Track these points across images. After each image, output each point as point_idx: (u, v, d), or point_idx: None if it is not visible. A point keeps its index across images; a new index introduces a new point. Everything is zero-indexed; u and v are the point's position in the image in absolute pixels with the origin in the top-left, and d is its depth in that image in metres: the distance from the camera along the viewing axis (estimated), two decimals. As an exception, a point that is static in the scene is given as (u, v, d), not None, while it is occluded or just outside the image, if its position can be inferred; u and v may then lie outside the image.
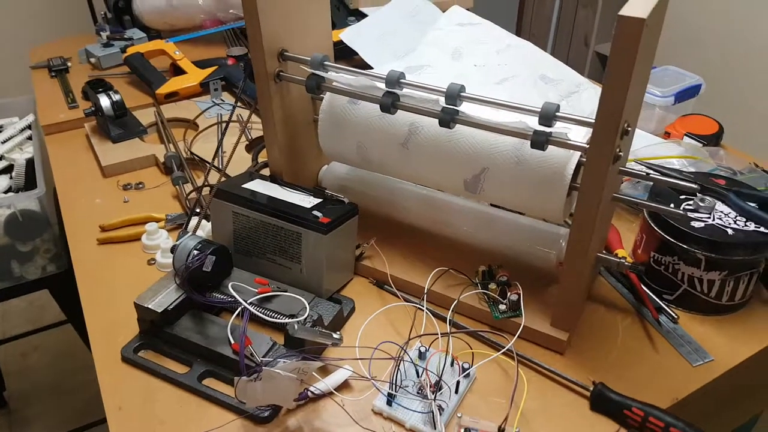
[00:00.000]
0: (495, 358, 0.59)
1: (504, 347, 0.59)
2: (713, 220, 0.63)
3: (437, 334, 0.60)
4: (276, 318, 0.61)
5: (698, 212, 0.64)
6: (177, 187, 0.87)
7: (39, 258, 1.09)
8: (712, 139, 0.90)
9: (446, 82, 0.59)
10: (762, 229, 0.62)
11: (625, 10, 0.44)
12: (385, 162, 0.67)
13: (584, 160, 0.57)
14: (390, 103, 0.61)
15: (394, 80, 0.60)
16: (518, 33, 2.91)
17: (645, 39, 0.46)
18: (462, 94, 0.57)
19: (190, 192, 0.85)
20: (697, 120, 0.93)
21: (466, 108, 0.58)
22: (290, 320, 0.58)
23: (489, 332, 0.63)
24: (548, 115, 0.53)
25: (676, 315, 0.65)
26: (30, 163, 1.09)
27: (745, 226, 0.62)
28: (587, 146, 0.52)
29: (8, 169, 1.10)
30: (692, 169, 0.77)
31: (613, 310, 0.67)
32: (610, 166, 0.51)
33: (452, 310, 0.62)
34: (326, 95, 0.69)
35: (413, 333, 0.61)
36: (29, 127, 1.15)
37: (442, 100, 0.58)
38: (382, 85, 0.61)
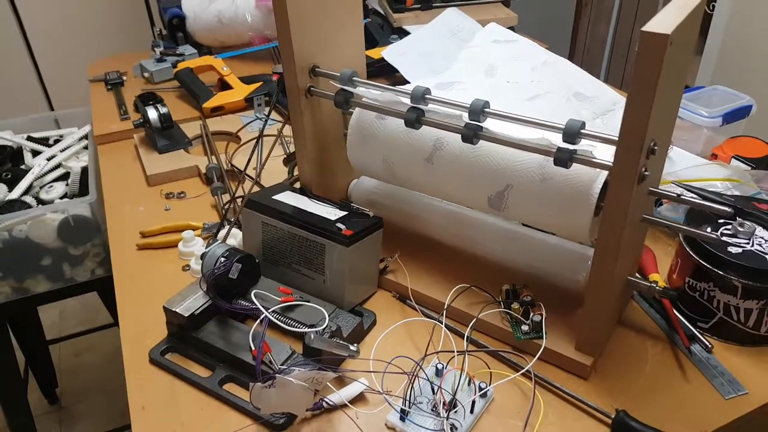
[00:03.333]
0: (514, 379, 0.58)
1: (524, 368, 0.58)
2: (752, 246, 0.60)
3: (454, 351, 0.60)
4: (295, 327, 0.62)
5: (737, 237, 0.61)
6: (215, 197, 0.89)
7: (89, 261, 1.14)
8: (762, 163, 0.85)
9: (475, 99, 0.59)
10: (805, 257, 0.58)
11: (650, 26, 0.43)
12: (410, 176, 0.67)
13: (610, 179, 0.55)
14: (414, 118, 0.61)
15: (419, 95, 0.60)
16: (572, 50, 2.86)
17: (670, 56, 0.45)
18: (486, 109, 0.57)
19: (227, 202, 0.87)
20: (746, 142, 0.89)
21: (489, 124, 0.58)
22: (309, 330, 0.59)
23: (509, 353, 0.61)
24: (572, 132, 0.52)
25: (710, 344, 0.62)
26: (84, 171, 1.15)
27: (787, 253, 0.59)
28: (611, 164, 0.51)
29: (66, 176, 1.16)
30: (736, 193, 0.73)
31: (644, 336, 0.65)
32: (636, 186, 0.50)
33: (471, 327, 0.61)
34: (355, 110, 0.70)
35: (431, 349, 0.61)
36: (86, 137, 1.21)
37: (465, 115, 0.57)
38: (408, 101, 0.61)
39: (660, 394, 0.58)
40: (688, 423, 0.55)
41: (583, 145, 0.54)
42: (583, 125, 0.53)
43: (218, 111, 1.14)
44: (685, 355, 0.62)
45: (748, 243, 0.61)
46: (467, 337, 0.61)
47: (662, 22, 0.44)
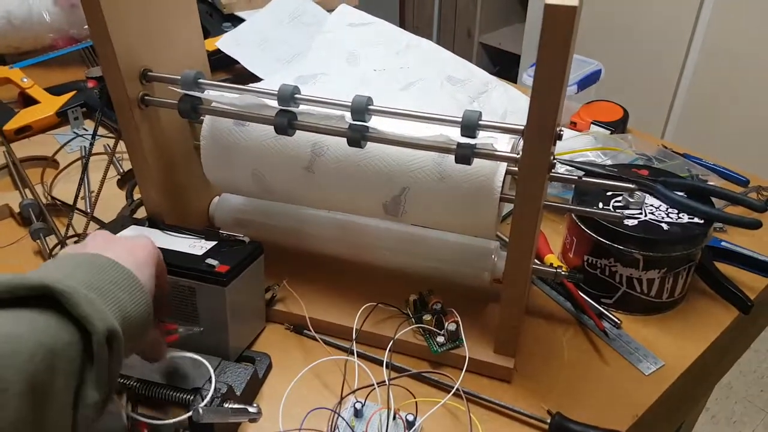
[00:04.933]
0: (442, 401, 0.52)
1: (450, 387, 0.52)
2: (645, 215, 0.60)
3: (374, 384, 0.52)
4: (175, 396, 0.50)
5: (628, 208, 0.61)
6: (38, 241, 0.72)
7: None
8: (619, 125, 0.88)
9: (346, 92, 0.51)
10: (696, 219, 0.59)
11: (552, -2, 0.38)
12: (288, 190, 0.58)
13: (513, 169, 0.51)
14: (286, 123, 0.51)
15: (288, 96, 0.50)
16: (401, 28, 2.88)
17: (575, 31, 0.40)
18: (370, 107, 0.49)
19: (55, 246, 0.70)
20: (602, 106, 0.91)
21: (375, 122, 0.50)
22: (189, 395, 0.48)
23: (430, 372, 0.55)
24: (471, 125, 0.47)
25: (618, 320, 0.61)
26: None
27: (679, 218, 0.59)
28: (518, 156, 0.46)
29: None
30: (609, 161, 0.74)
31: (553, 322, 0.62)
32: (546, 176, 0.46)
33: (389, 351, 0.54)
34: (206, 118, 0.59)
35: (346, 387, 0.53)
36: None
37: (348, 116, 0.49)
38: (274, 103, 0.51)
39: (585, 383, 0.56)
40: (620, 409, 0.53)
41: (482, 138, 0.48)
42: (480, 116, 0.47)
43: (24, 132, 0.93)
44: (597, 335, 0.60)
45: (641, 213, 0.60)
46: (387, 363, 0.53)
47: (563, -7, 0.39)
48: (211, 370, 0.51)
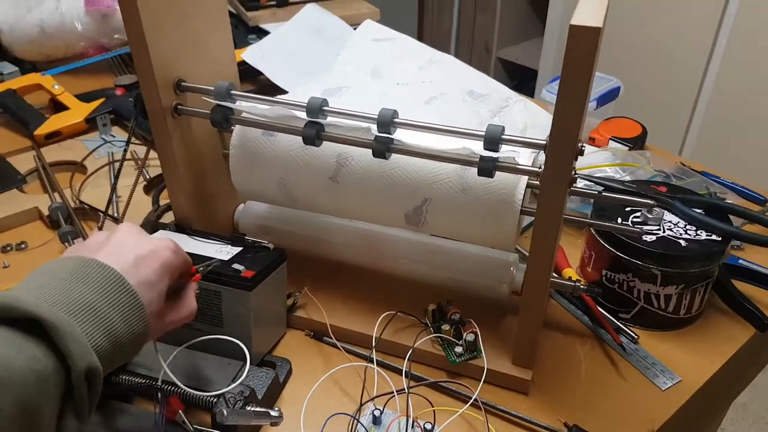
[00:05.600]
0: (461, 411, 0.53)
1: (468, 397, 0.53)
2: (664, 231, 0.60)
3: (393, 392, 0.53)
4: (199, 397, 0.51)
5: (647, 224, 0.61)
6: (66, 244, 0.74)
7: None
8: (637, 142, 0.89)
9: (370, 105, 0.52)
10: (713, 237, 0.60)
11: (577, 19, 0.39)
12: (313, 199, 0.59)
13: (534, 182, 0.52)
14: (314, 134, 0.53)
15: (317, 108, 0.52)
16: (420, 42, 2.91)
17: (598, 50, 0.41)
18: (395, 120, 0.50)
19: (83, 249, 0.72)
20: (620, 123, 0.92)
21: (399, 135, 0.52)
22: (214, 396, 0.49)
23: (449, 381, 0.56)
24: (494, 139, 0.48)
25: (636, 335, 0.61)
26: None
27: (697, 235, 0.60)
28: (539, 170, 0.47)
29: None
30: (627, 177, 0.74)
31: (571, 335, 0.63)
32: (567, 190, 0.47)
33: (408, 360, 0.55)
34: (236, 128, 0.61)
35: (365, 395, 0.54)
36: None
37: (374, 128, 0.51)
38: (303, 114, 0.53)
39: (601, 396, 0.56)
40: (636, 423, 0.54)
41: (505, 151, 0.50)
42: (503, 130, 0.48)
43: (54, 137, 0.96)
44: (614, 349, 0.61)
45: (659, 229, 0.61)
46: (406, 372, 0.54)
47: (588, 15, 0.40)
48: (233, 373, 0.52)
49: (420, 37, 2.88)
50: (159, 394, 0.49)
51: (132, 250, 0.43)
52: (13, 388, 0.32)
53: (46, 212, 0.79)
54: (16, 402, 0.32)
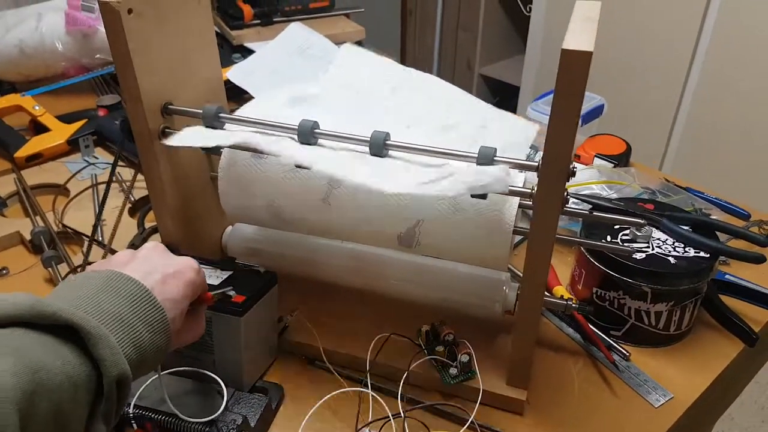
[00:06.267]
0: (454, 434, 0.53)
1: (463, 420, 0.53)
2: (653, 249, 0.61)
3: (389, 416, 0.52)
4: (191, 427, 0.50)
5: (636, 242, 0.62)
6: (49, 269, 0.73)
7: None
8: (622, 158, 0.90)
9: (355, 126, 0.52)
10: (701, 253, 0.60)
11: (569, 43, 0.40)
12: (304, 221, 0.59)
13: (526, 203, 0.52)
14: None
15: (308, 131, 0.52)
16: (402, 60, 2.93)
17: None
18: (388, 142, 0.50)
19: (67, 274, 0.71)
20: (604, 140, 0.93)
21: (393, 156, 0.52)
22: (206, 423, 0.48)
23: (444, 404, 0.56)
24: (486, 161, 0.48)
25: (627, 352, 0.62)
26: None
27: (685, 252, 0.61)
28: (532, 192, 0.47)
29: None
30: (614, 195, 0.75)
31: (563, 353, 0.63)
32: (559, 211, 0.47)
33: (403, 383, 0.54)
34: (225, 150, 0.60)
35: (360, 420, 0.53)
36: None
37: (367, 151, 0.50)
38: (294, 138, 0.53)
39: (595, 416, 0.56)
40: (632, 443, 0.54)
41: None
42: (495, 152, 0.49)
43: (36, 159, 0.94)
44: (606, 366, 0.61)
45: (648, 247, 0.61)
46: (401, 395, 0.54)
47: (578, 39, 0.41)
48: (224, 401, 0.51)
49: (403, 55, 2.90)
50: (134, 422, 0.48)
51: (159, 268, 0.45)
52: (51, 392, 0.33)
53: (28, 237, 0.78)
54: (50, 406, 0.33)
